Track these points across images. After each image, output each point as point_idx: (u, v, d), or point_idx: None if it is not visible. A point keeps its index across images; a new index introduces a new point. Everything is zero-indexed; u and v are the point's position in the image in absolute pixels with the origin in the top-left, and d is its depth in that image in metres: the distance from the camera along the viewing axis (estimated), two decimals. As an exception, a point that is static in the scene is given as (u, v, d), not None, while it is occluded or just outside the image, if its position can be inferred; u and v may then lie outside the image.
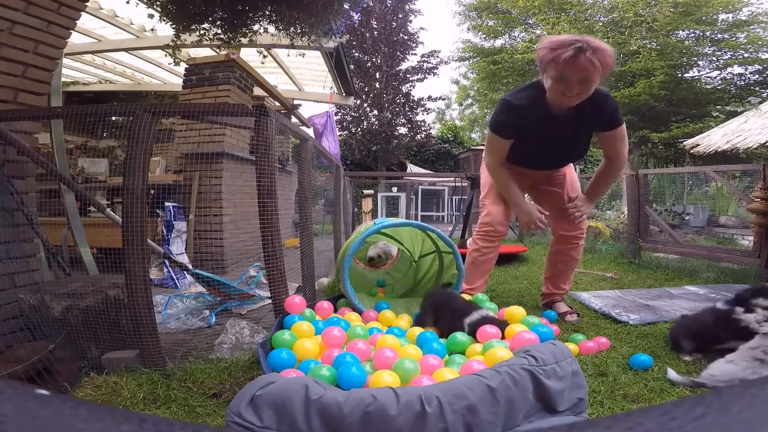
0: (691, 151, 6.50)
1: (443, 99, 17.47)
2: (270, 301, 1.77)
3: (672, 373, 1.37)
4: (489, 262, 2.16)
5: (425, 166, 13.86)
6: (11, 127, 1.71)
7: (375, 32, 13.10)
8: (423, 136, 14.00)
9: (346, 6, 2.78)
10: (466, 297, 1.97)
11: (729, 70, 9.34)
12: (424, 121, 14.25)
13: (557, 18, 9.70)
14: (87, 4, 2.12)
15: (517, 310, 1.64)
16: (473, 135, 20.50)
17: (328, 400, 0.82)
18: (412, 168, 12.78)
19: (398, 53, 13.38)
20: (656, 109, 9.12)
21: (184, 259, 3.11)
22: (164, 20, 2.73)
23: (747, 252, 3.17)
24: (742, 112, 7.08)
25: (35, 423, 0.18)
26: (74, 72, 5.24)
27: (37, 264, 1.85)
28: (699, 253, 3.54)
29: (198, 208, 3.46)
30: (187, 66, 3.83)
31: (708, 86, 9.59)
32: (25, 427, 0.18)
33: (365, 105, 13.54)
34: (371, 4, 12.64)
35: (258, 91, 4.74)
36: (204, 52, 4.34)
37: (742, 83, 9.37)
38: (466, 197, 4.61)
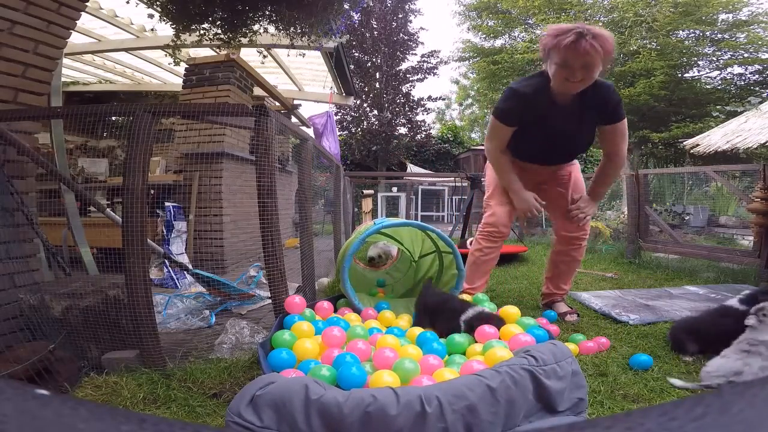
0: (691, 151, 6.50)
1: (443, 99, 17.48)
2: (270, 301, 1.77)
3: (676, 381, 1.36)
4: (491, 262, 2.16)
5: (425, 166, 13.86)
6: (11, 127, 1.71)
7: (375, 32, 13.09)
8: (423, 136, 14.00)
9: (346, 6, 2.78)
10: (467, 297, 1.97)
11: (729, 70, 9.34)
12: (424, 121, 14.26)
13: (557, 18, 9.70)
14: (87, 4, 2.12)
15: (512, 310, 1.63)
16: (473, 135, 20.50)
17: (328, 400, 0.82)
18: (412, 168, 12.78)
19: (398, 53, 13.37)
20: (656, 109, 9.11)
21: (184, 259, 3.11)
22: (164, 20, 2.73)
23: (747, 252, 3.17)
24: (742, 112, 7.08)
25: (35, 423, 0.18)
26: (74, 72, 5.24)
27: (37, 264, 1.85)
28: (699, 253, 3.54)
29: (198, 208, 3.46)
30: (187, 66, 3.83)
31: (708, 86, 9.59)
32: (25, 427, 0.18)
33: (365, 105, 13.54)
34: (371, 4, 12.64)
35: (258, 91, 4.74)
36: (204, 52, 4.34)
37: (742, 83, 9.36)
38: (466, 197, 4.61)
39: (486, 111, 16.49)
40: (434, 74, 13.96)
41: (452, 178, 7.47)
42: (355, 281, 2.30)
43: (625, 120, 1.89)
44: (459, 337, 1.41)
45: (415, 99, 13.80)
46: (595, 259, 4.15)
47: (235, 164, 3.74)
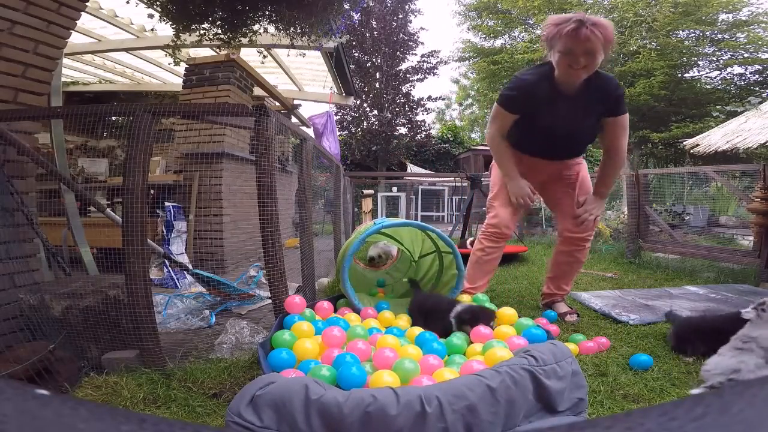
0: (691, 151, 6.50)
1: (443, 99, 17.48)
2: (270, 301, 1.77)
3: (695, 390, 1.35)
4: (493, 262, 2.15)
5: (425, 166, 13.86)
6: (11, 127, 1.71)
7: (375, 32, 13.09)
8: (423, 136, 14.00)
9: (346, 6, 2.78)
10: (467, 297, 1.98)
11: (729, 70, 9.34)
12: (424, 121, 14.26)
13: (557, 18, 9.68)
14: (87, 4, 2.12)
15: (508, 312, 1.63)
16: (473, 135, 20.50)
17: (328, 400, 0.82)
18: (412, 168, 12.79)
19: (398, 53, 13.37)
20: (656, 109, 9.11)
21: (184, 259, 3.11)
22: (164, 20, 2.73)
23: (747, 252, 3.17)
24: (742, 112, 7.08)
25: (35, 423, 0.18)
26: (74, 72, 5.24)
27: (37, 264, 1.85)
28: (699, 253, 3.54)
29: (198, 208, 3.46)
30: (187, 66, 3.83)
31: (708, 86, 9.59)
32: (25, 427, 0.18)
33: (365, 105, 13.54)
34: (371, 4, 12.65)
35: (258, 91, 4.74)
36: (204, 52, 4.34)
37: (742, 83, 9.36)
38: (466, 197, 4.61)
39: (486, 111, 16.48)
40: (434, 74, 13.97)
41: (452, 178, 7.48)
42: (355, 281, 2.30)
43: (627, 115, 1.92)
44: (457, 339, 1.42)
45: (415, 99, 13.80)
46: (595, 259, 4.15)
47: (235, 164, 3.74)
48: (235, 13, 2.55)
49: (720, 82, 9.55)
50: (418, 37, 13.56)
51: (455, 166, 14.19)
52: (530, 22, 10.66)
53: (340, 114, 13.13)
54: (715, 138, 6.21)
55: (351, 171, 10.31)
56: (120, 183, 1.59)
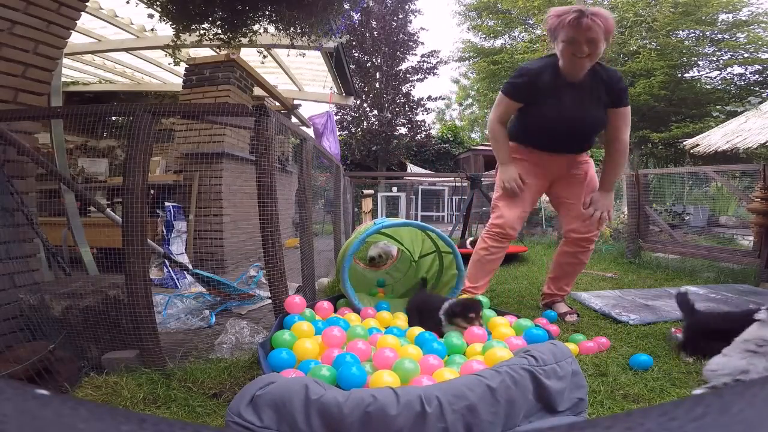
0: (691, 151, 6.50)
1: (443, 99, 17.50)
2: (270, 301, 1.77)
3: (697, 391, 1.33)
4: (496, 262, 2.14)
5: (425, 166, 13.87)
6: (11, 127, 1.71)
7: (375, 32, 13.10)
8: (423, 136, 14.01)
9: (346, 6, 2.78)
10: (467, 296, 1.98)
11: (729, 70, 9.35)
12: (424, 121, 14.28)
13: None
14: (87, 4, 2.12)
15: (499, 321, 1.61)
16: (473, 135, 20.50)
17: (328, 400, 0.82)
18: (412, 168, 12.79)
19: (398, 53, 13.38)
20: (656, 109, 9.12)
21: (184, 259, 3.11)
22: (164, 20, 2.73)
23: (747, 252, 3.17)
24: (742, 112, 7.09)
25: (35, 423, 0.18)
26: (74, 72, 5.24)
27: (37, 264, 1.84)
28: (699, 253, 3.54)
29: (198, 208, 3.46)
30: (187, 66, 3.83)
31: (708, 86, 9.60)
32: (25, 427, 0.18)
33: (365, 105, 13.55)
34: (371, 4, 12.65)
35: (258, 91, 4.74)
36: (204, 52, 4.34)
37: (742, 83, 9.37)
38: (466, 197, 4.61)
39: (486, 111, 16.49)
40: (434, 74, 13.98)
41: (452, 178, 7.48)
42: (355, 281, 2.30)
43: (629, 108, 1.97)
44: (456, 339, 1.42)
45: (415, 99, 13.81)
46: (595, 259, 4.14)
47: (235, 164, 3.74)
48: (235, 13, 2.55)
49: (720, 82, 9.56)
50: (418, 37, 13.58)
51: (455, 166, 14.19)
52: (530, 22, 10.67)
53: (340, 114, 13.14)
54: (715, 138, 6.21)
55: (351, 171, 10.32)
56: (120, 183, 1.59)
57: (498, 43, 11.73)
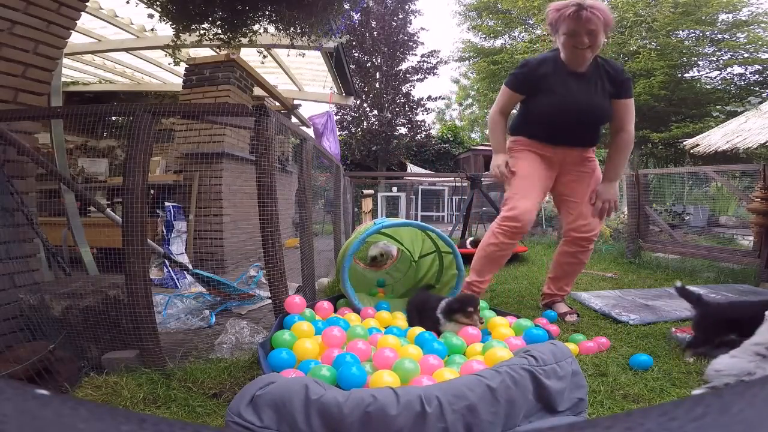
0: (691, 151, 6.51)
1: (443, 99, 17.51)
2: (270, 301, 1.77)
3: (697, 391, 1.32)
4: (504, 258, 2.12)
5: (425, 166, 13.87)
6: (11, 127, 1.71)
7: (375, 32, 13.10)
8: (423, 136, 14.02)
9: (346, 6, 2.78)
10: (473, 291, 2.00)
11: (729, 70, 9.35)
12: (424, 121, 14.29)
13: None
14: (87, 4, 2.12)
15: (499, 321, 1.62)
16: (473, 135, 20.50)
17: (328, 400, 0.82)
18: (412, 168, 12.79)
19: (398, 53, 13.39)
20: (656, 109, 9.12)
21: (184, 259, 3.11)
22: (164, 20, 2.73)
23: (747, 252, 3.17)
24: (742, 112, 7.09)
25: (35, 423, 0.18)
26: (74, 72, 5.24)
27: (37, 264, 1.85)
28: (699, 253, 3.54)
29: (198, 208, 3.46)
30: (187, 66, 3.83)
31: (708, 86, 9.60)
32: (25, 427, 0.18)
33: (365, 105, 13.55)
34: (371, 4, 12.65)
35: (258, 91, 4.74)
36: (204, 52, 4.34)
37: (742, 83, 9.38)
38: (466, 197, 4.61)
39: (486, 111, 16.49)
40: (434, 74, 13.99)
41: (452, 178, 7.48)
42: (355, 281, 2.30)
43: (633, 100, 2.03)
44: (456, 340, 1.42)
45: (415, 99, 13.82)
46: (595, 259, 4.14)
47: (235, 164, 3.74)
48: (235, 13, 2.55)
49: (720, 82, 9.56)
50: (418, 38, 13.59)
51: (455, 166, 14.18)
52: (530, 22, 10.68)
53: (340, 114, 13.14)
54: (715, 138, 6.21)
55: (351, 171, 10.32)
56: (120, 183, 1.59)
57: (498, 43, 11.75)
